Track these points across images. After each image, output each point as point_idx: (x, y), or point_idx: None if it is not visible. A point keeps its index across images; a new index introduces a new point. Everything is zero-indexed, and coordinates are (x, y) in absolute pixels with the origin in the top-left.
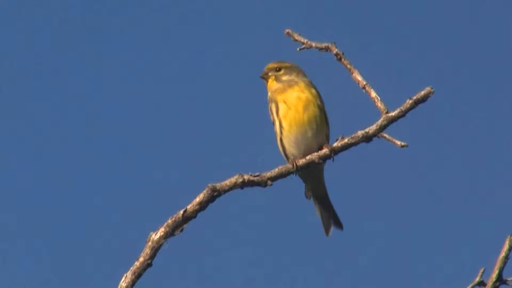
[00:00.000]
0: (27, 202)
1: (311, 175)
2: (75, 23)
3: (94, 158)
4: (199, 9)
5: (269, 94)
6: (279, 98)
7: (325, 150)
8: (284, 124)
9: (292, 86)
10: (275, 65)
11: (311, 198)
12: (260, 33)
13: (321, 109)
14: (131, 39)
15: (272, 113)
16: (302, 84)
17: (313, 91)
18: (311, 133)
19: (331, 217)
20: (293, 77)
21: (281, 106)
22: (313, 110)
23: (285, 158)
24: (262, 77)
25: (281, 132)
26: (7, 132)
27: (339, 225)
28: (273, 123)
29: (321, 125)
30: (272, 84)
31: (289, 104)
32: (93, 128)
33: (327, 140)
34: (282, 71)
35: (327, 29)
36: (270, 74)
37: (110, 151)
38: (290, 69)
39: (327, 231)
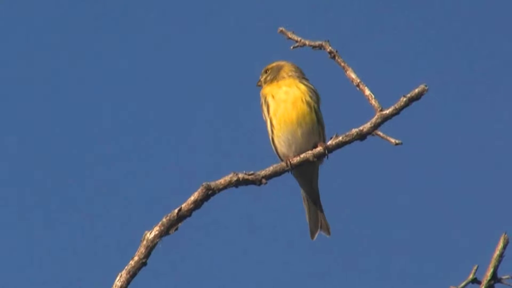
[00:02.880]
0: (27, 199)
1: (305, 176)
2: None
3: (91, 157)
4: (194, 8)
5: (260, 93)
6: (268, 95)
7: (319, 148)
8: (274, 122)
9: (278, 82)
10: (264, 69)
11: (302, 199)
12: (256, 32)
13: (311, 106)
14: (129, 38)
15: (263, 112)
16: (289, 80)
17: (302, 86)
18: (301, 132)
19: (318, 221)
20: (279, 74)
21: (271, 103)
22: (301, 107)
23: (278, 157)
24: (258, 86)
25: (272, 131)
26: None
27: (327, 230)
28: (265, 122)
29: (311, 123)
30: (263, 86)
31: (278, 101)
32: (91, 127)
33: (322, 139)
34: (268, 72)
35: (320, 27)
36: (261, 79)
37: (107, 150)
38: (276, 68)
39: (312, 234)
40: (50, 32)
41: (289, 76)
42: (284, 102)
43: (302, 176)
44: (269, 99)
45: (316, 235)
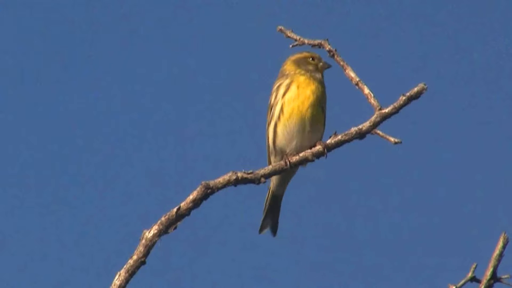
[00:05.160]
0: (26, 198)
1: (285, 175)
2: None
3: (90, 157)
4: (194, 8)
5: (286, 69)
6: (295, 82)
7: (318, 147)
8: (285, 109)
9: (315, 80)
10: (316, 56)
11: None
12: (255, 31)
13: (323, 109)
14: (129, 37)
15: (277, 93)
16: (322, 86)
17: (325, 95)
18: (309, 130)
19: (271, 219)
20: (319, 71)
21: (292, 90)
22: (317, 110)
23: (271, 147)
24: (313, 57)
25: (278, 118)
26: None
27: (274, 230)
28: (272, 107)
29: (319, 125)
30: (315, 71)
31: (300, 94)
32: (89, 126)
33: (321, 139)
34: (317, 61)
35: (319, 25)
36: (321, 62)
37: (105, 150)
38: (322, 64)
39: (262, 229)
40: (48, 31)
41: (323, 83)
42: (306, 97)
43: (283, 174)
44: (293, 86)
45: (264, 232)
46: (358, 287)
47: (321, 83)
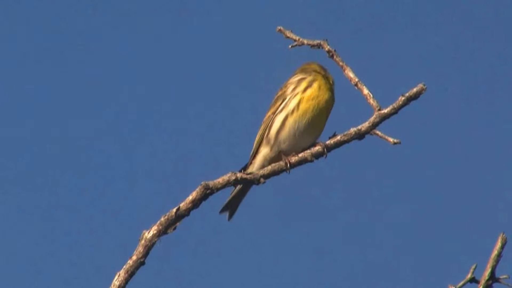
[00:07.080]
0: (26, 198)
1: None
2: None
3: (90, 156)
4: (194, 7)
5: (312, 67)
6: (317, 81)
7: (318, 147)
8: (302, 105)
9: (332, 88)
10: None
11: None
12: (255, 31)
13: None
14: (128, 37)
15: (297, 85)
16: (332, 95)
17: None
18: (314, 131)
19: (233, 204)
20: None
21: (314, 88)
22: (326, 115)
23: (272, 136)
24: (321, 68)
25: (292, 111)
26: None
27: (231, 215)
28: (285, 97)
29: (321, 129)
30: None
31: (320, 94)
32: (89, 126)
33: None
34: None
35: (319, 26)
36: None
37: (105, 149)
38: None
39: (223, 210)
40: (48, 31)
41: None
42: (323, 100)
43: None
44: (315, 85)
45: (224, 213)
46: (358, 287)
47: (333, 93)
